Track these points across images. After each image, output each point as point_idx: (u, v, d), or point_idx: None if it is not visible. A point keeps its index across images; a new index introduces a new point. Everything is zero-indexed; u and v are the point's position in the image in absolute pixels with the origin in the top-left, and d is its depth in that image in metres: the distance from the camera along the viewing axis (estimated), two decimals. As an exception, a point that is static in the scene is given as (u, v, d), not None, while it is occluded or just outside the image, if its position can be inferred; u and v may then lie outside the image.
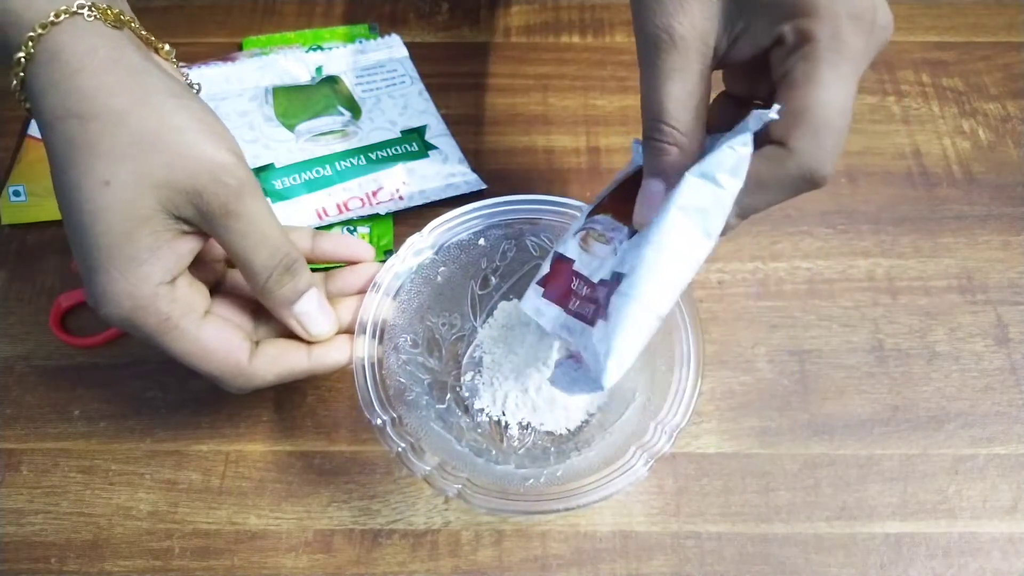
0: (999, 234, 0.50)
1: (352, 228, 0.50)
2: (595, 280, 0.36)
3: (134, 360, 0.46)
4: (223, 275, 0.41)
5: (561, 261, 0.38)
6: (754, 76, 0.35)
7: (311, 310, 0.38)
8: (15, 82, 0.34)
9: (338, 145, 0.52)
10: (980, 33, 0.59)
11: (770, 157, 0.31)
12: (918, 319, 0.48)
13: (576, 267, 0.38)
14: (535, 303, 0.39)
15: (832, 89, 0.30)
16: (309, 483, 0.43)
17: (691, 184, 0.31)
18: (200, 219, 0.34)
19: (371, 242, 0.49)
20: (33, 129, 0.53)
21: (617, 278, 0.33)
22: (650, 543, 0.41)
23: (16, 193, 0.50)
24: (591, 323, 0.35)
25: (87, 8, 0.34)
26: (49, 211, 0.50)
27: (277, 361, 0.38)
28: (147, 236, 0.33)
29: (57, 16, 0.33)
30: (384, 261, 0.42)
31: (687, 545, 0.41)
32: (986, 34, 0.59)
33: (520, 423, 0.42)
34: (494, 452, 0.41)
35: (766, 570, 0.40)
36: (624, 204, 0.36)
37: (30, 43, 0.33)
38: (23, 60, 0.33)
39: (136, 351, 0.47)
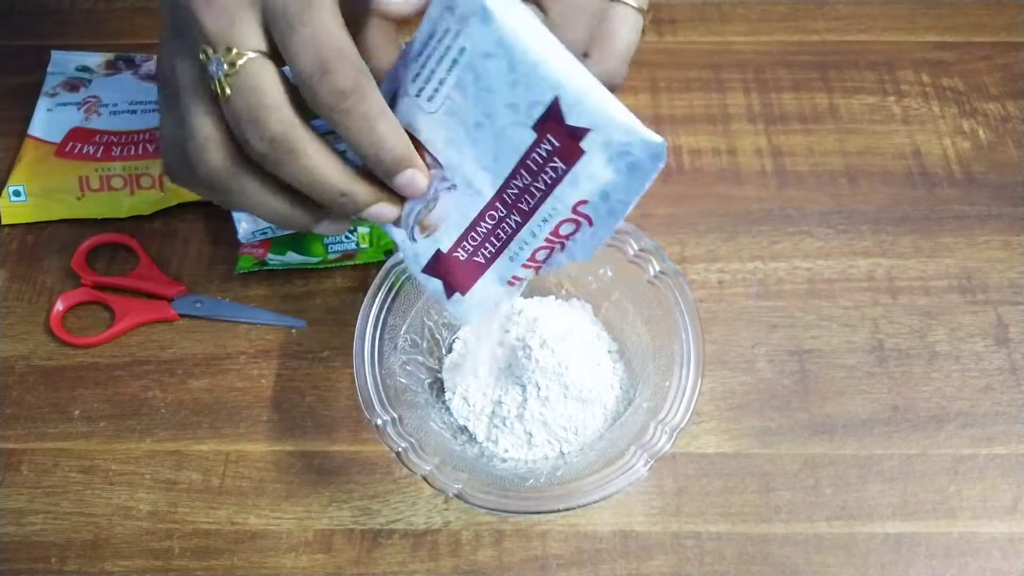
0: (999, 234, 0.50)
1: (352, 228, 0.50)
2: (491, 205, 0.33)
3: (134, 360, 0.46)
4: None
5: (440, 261, 0.35)
6: None
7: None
8: None
9: (340, 145, 0.52)
10: (980, 33, 0.59)
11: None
12: (918, 319, 0.48)
13: (459, 247, 0.34)
14: (472, 302, 0.35)
15: None
16: (309, 483, 0.43)
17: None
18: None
19: (371, 242, 0.49)
20: (33, 129, 0.53)
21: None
22: (650, 543, 0.41)
23: (16, 193, 0.50)
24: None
25: None
26: (49, 211, 0.51)
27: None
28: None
29: None
30: (384, 261, 0.42)
31: (687, 545, 0.41)
32: (986, 34, 0.59)
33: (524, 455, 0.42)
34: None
35: (766, 570, 0.40)
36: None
37: None
38: None
39: (136, 351, 0.47)
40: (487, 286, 0.35)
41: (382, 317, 0.40)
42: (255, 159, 0.32)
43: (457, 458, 0.39)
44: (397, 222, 0.35)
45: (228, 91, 0.30)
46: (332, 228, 0.35)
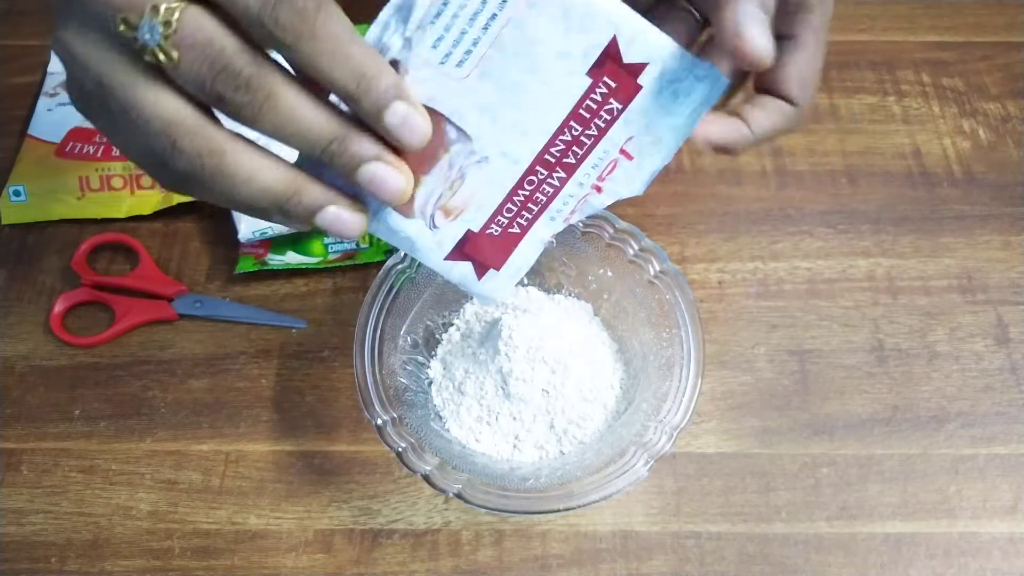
0: (999, 234, 0.50)
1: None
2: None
3: (134, 360, 0.46)
4: None
5: (469, 242, 0.32)
6: None
7: None
8: None
9: None
10: (980, 33, 0.59)
11: (784, 112, 0.36)
12: (918, 319, 0.48)
13: (493, 223, 0.32)
14: (507, 274, 0.33)
15: (822, 53, 0.36)
16: (309, 483, 0.43)
17: None
18: None
19: (371, 242, 0.49)
20: (33, 129, 0.53)
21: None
22: (650, 543, 0.41)
23: (16, 193, 0.50)
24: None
25: None
26: (49, 211, 0.51)
27: None
28: None
29: None
30: (384, 261, 0.42)
31: (687, 545, 0.41)
32: (986, 34, 0.59)
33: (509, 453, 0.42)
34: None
35: (766, 570, 0.40)
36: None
37: None
38: None
39: (136, 351, 0.47)
40: (523, 253, 0.33)
41: (382, 317, 0.40)
42: (230, 115, 0.27)
43: (457, 458, 0.39)
44: (408, 212, 0.30)
45: (176, 54, 0.25)
46: (341, 221, 0.28)
